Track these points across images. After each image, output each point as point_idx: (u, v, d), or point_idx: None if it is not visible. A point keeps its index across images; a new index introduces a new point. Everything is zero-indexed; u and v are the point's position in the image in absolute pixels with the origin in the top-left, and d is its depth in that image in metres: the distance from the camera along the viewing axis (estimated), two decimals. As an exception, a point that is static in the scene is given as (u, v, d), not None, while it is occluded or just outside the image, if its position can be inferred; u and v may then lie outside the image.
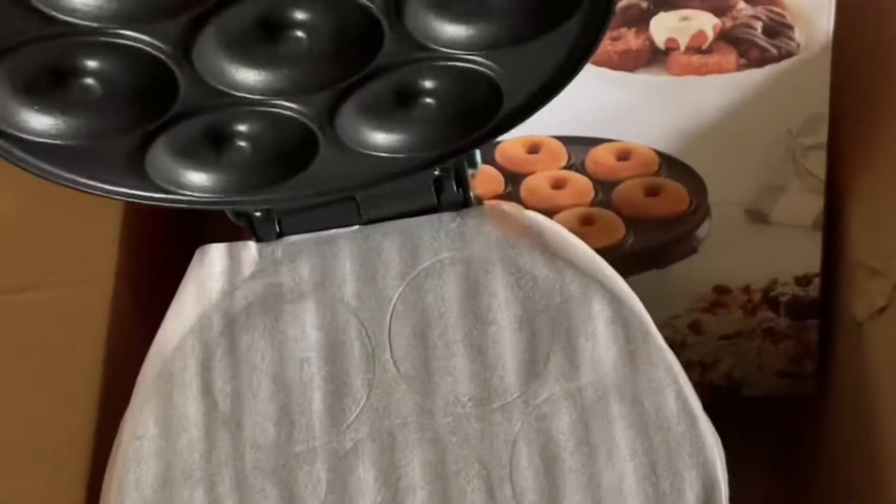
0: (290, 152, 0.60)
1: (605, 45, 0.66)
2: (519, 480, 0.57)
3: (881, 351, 0.65)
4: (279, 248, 0.62)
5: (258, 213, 0.62)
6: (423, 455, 0.58)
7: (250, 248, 0.62)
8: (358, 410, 0.58)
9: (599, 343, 0.59)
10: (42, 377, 0.64)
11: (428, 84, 0.57)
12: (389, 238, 0.61)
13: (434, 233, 0.62)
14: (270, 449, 0.58)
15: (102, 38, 0.51)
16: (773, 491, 0.78)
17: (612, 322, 0.60)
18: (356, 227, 0.62)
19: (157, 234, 0.74)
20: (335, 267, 0.61)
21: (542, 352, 0.59)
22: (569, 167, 0.70)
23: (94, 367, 0.64)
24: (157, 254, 0.74)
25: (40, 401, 0.63)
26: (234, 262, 0.61)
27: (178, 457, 0.58)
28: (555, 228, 0.62)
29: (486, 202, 0.63)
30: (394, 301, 0.60)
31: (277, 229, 0.62)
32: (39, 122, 0.55)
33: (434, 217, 0.62)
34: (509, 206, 0.62)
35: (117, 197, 0.59)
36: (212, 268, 0.61)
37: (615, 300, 0.60)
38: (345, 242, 0.62)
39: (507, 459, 0.58)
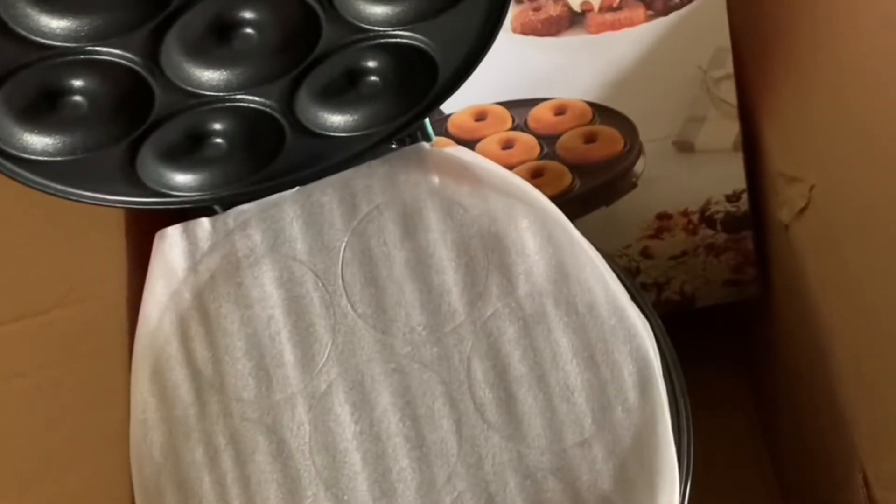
0: (261, 143, 0.62)
1: (529, 16, 0.69)
2: (477, 392, 0.59)
3: (807, 245, 0.68)
4: (230, 218, 0.63)
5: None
6: (389, 384, 0.60)
7: (203, 224, 0.63)
8: (326, 355, 0.60)
9: (529, 257, 0.61)
10: (76, 384, 0.65)
11: (371, 63, 0.60)
12: (328, 192, 0.63)
13: (367, 181, 0.63)
14: (254, 401, 0.60)
15: (81, 56, 0.54)
16: (735, 388, 0.81)
17: (538, 235, 0.61)
18: (296, 188, 0.64)
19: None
20: (283, 227, 0.63)
21: (480, 273, 0.61)
22: (514, 128, 0.73)
23: (120, 370, 0.65)
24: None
25: (76, 406, 0.65)
26: (191, 240, 0.63)
27: (176, 422, 0.60)
28: (474, 158, 0.63)
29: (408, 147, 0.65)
30: (342, 250, 0.62)
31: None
32: (40, 142, 0.57)
33: (363, 167, 0.64)
34: (430, 147, 0.64)
35: (119, 205, 0.62)
36: (172, 249, 0.63)
37: (538, 215, 0.61)
38: (289, 204, 0.63)
39: (464, 376, 0.59)
